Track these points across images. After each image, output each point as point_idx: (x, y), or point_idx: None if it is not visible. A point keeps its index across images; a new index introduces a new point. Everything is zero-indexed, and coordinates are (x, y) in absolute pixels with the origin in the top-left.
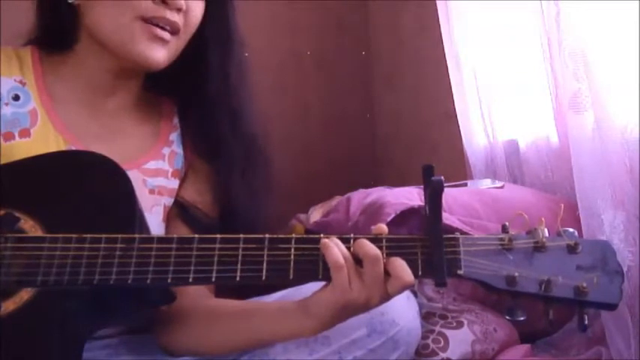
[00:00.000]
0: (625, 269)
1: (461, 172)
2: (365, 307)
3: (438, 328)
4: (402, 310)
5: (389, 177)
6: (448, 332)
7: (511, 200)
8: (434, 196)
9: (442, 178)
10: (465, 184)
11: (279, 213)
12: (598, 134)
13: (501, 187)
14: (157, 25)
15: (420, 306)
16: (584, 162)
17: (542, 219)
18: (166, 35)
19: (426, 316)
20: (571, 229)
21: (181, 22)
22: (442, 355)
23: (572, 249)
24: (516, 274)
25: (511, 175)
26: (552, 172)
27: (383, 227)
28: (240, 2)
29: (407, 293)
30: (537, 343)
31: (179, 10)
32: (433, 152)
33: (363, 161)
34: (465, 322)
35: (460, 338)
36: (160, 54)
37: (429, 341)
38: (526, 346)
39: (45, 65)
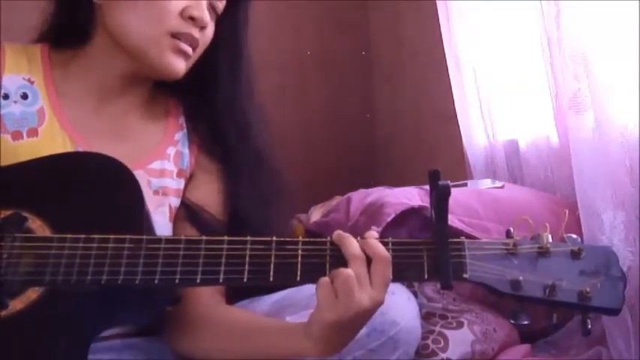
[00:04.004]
0: (625, 269)
1: (461, 172)
2: (360, 316)
3: (438, 329)
4: (402, 310)
5: (389, 177)
6: (448, 332)
7: (511, 200)
8: (440, 200)
9: (449, 182)
10: (465, 184)
11: (279, 213)
12: (598, 134)
13: (501, 187)
14: (181, 40)
15: (420, 306)
16: (584, 162)
17: (547, 225)
18: (189, 50)
19: (426, 317)
20: (574, 235)
21: (199, 41)
22: (442, 355)
23: (575, 255)
24: (521, 278)
25: (511, 175)
26: (552, 172)
27: (372, 234)
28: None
29: (407, 293)
30: (537, 343)
31: (202, 27)
32: (433, 152)
33: (363, 161)
34: (465, 322)
35: (460, 338)
36: (181, 66)
37: (429, 341)
38: (526, 346)
39: (54, 62)
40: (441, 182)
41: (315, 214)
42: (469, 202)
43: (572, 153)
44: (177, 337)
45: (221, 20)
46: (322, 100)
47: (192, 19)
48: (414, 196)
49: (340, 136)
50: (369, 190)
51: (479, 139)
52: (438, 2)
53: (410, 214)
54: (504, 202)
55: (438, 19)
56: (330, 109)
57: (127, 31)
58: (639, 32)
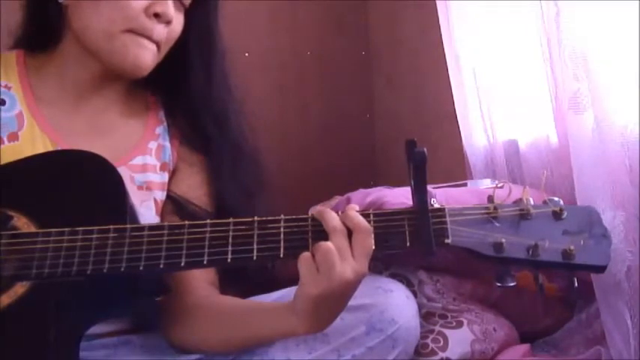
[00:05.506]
0: (625, 269)
1: (461, 172)
2: (344, 288)
3: (437, 328)
4: (401, 309)
5: (389, 177)
6: (448, 332)
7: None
8: (418, 168)
9: (425, 149)
10: (465, 184)
11: (279, 213)
12: (598, 134)
13: (501, 187)
14: (144, 36)
15: (420, 306)
16: (584, 162)
17: (526, 187)
18: (154, 47)
19: (426, 316)
20: (556, 198)
21: (165, 36)
22: (441, 354)
23: (557, 215)
24: (503, 240)
25: (511, 175)
26: (552, 172)
27: (353, 206)
28: (240, 2)
29: (406, 292)
30: (537, 343)
31: (168, 22)
32: (433, 152)
33: (363, 161)
34: (465, 321)
35: (460, 338)
36: (146, 65)
37: (429, 341)
38: (525, 346)
39: (29, 67)
40: (416, 149)
41: None
42: (469, 202)
43: (572, 153)
44: (173, 329)
45: (191, 13)
46: (322, 101)
47: (156, 15)
48: None
49: (340, 136)
50: (369, 190)
51: (479, 139)
52: (438, 2)
53: None
54: None
55: (438, 19)
56: (330, 110)
57: (91, 31)
58: (639, 32)
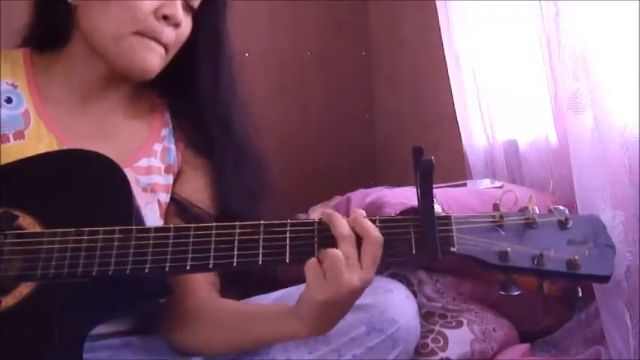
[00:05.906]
0: (624, 269)
1: (460, 172)
2: (350, 295)
3: (437, 328)
4: (401, 309)
5: (389, 177)
6: (447, 332)
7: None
8: (424, 176)
9: (432, 157)
10: (465, 184)
11: (279, 213)
12: (597, 134)
13: (500, 187)
14: (153, 39)
15: (420, 306)
16: (583, 162)
17: (532, 196)
18: (162, 50)
19: (426, 316)
20: (561, 207)
21: (173, 38)
22: (441, 354)
23: (562, 224)
24: (509, 249)
25: (510, 175)
26: (552, 172)
27: (360, 212)
28: (240, 2)
29: (406, 292)
30: (536, 343)
31: (177, 25)
32: (433, 152)
33: (363, 161)
34: (465, 321)
35: (459, 338)
36: (154, 66)
37: (429, 340)
38: (525, 346)
39: (37, 66)
40: (424, 157)
41: (315, 214)
42: (469, 202)
43: (572, 153)
44: (175, 331)
45: (200, 15)
46: (322, 100)
47: (165, 17)
48: (413, 196)
49: (340, 136)
50: (369, 190)
51: (478, 139)
52: (437, 2)
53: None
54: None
55: (438, 19)
56: (330, 109)
57: (99, 32)
58: (639, 32)
